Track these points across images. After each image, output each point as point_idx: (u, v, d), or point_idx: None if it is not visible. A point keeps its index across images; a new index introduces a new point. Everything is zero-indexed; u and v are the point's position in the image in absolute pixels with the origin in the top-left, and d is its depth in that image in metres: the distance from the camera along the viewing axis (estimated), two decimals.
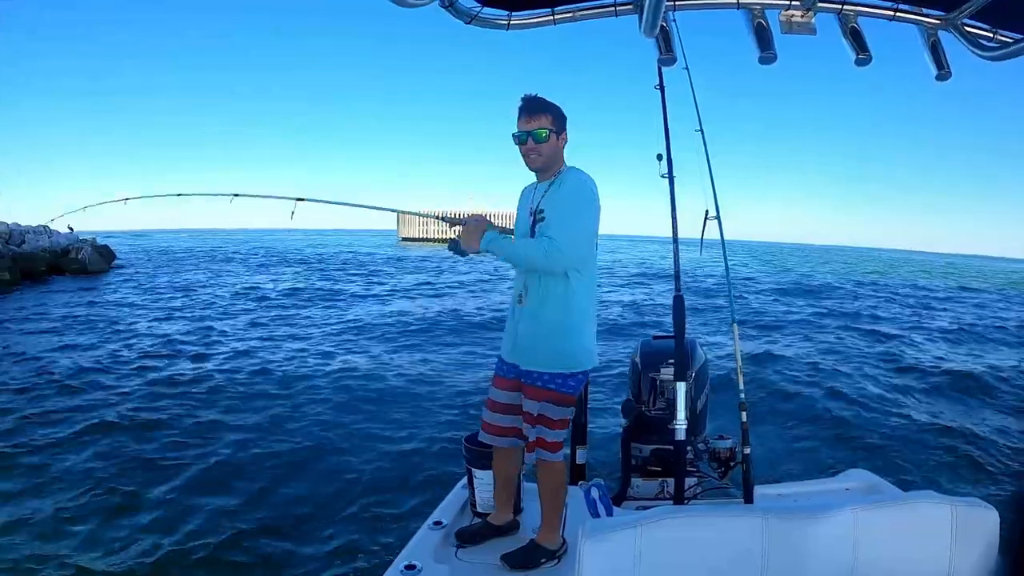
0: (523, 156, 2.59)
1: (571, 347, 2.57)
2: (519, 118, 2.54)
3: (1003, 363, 11.55)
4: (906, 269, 54.83)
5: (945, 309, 21.80)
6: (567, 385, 2.59)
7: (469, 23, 3.06)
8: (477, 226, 2.63)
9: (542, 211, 2.56)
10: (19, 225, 25.84)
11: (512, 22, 3.16)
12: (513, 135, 2.57)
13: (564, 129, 2.60)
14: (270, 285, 23.16)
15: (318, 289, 22.23)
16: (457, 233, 2.71)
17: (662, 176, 3.45)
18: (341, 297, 20.18)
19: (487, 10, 3.01)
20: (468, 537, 2.82)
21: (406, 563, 2.53)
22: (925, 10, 3.12)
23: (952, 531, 1.50)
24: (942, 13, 3.10)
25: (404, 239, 65.69)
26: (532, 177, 2.71)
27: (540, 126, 2.50)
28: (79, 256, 26.53)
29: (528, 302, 2.58)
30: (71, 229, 29.59)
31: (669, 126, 3.49)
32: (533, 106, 2.53)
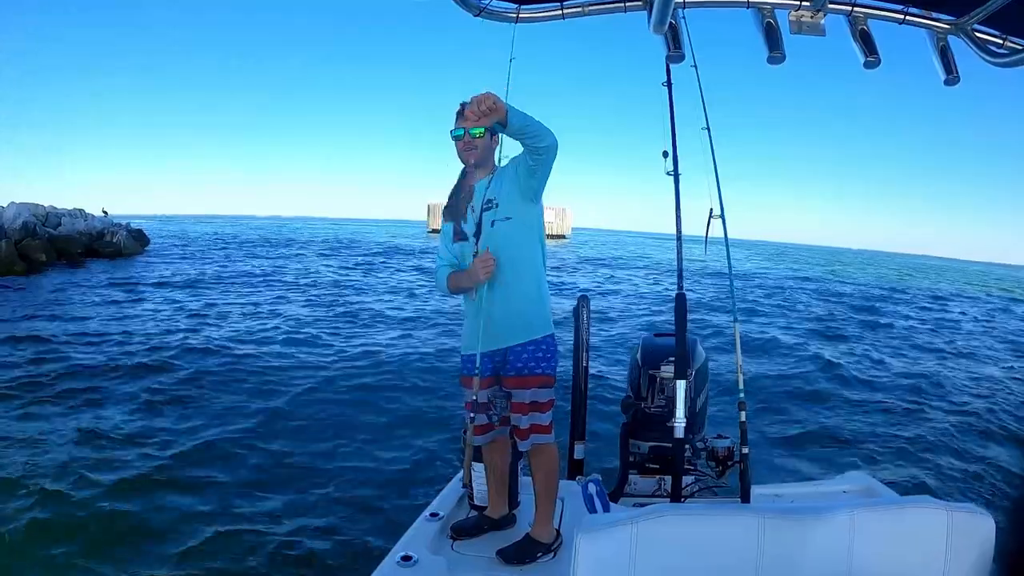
0: (459, 152, 2.74)
1: (545, 311, 2.74)
2: (457, 119, 2.71)
3: (1007, 372, 11.54)
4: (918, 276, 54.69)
5: (950, 311, 21.79)
6: (550, 367, 2.69)
7: (477, 15, 3.07)
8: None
9: (493, 200, 2.67)
10: (56, 208, 26.70)
11: (521, 15, 3.15)
12: (451, 132, 2.73)
13: (496, 132, 2.79)
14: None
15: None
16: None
17: (667, 173, 3.44)
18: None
19: (496, 3, 3.01)
20: (464, 530, 2.84)
21: (402, 554, 2.53)
22: (935, 14, 3.11)
23: (948, 537, 1.50)
24: (952, 18, 3.09)
25: (433, 230, 65.55)
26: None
27: (477, 126, 2.69)
28: (114, 239, 27.23)
29: (500, 283, 2.64)
30: (105, 213, 30.21)
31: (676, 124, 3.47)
32: None
